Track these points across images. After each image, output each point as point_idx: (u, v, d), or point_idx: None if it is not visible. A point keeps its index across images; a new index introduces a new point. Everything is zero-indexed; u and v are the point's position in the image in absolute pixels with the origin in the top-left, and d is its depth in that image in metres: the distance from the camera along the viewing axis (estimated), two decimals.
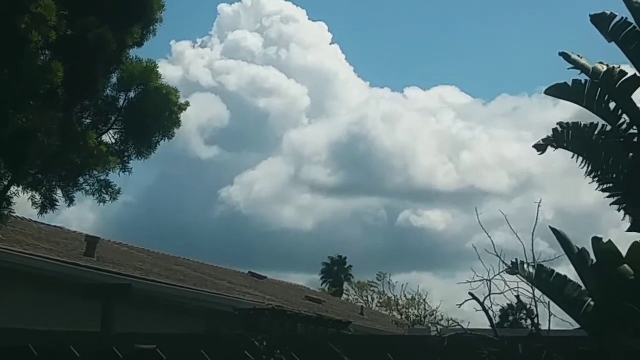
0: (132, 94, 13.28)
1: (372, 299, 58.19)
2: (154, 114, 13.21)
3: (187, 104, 13.66)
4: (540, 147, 10.53)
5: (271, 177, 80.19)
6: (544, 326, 8.74)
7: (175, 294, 20.68)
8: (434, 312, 46.39)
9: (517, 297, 8.88)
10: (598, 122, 10.38)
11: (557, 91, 10.55)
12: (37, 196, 12.90)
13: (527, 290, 8.93)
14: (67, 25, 11.73)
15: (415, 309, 49.72)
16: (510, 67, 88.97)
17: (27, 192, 12.80)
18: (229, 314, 19.80)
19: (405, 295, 47.84)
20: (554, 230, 9.87)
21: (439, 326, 11.05)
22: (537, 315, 8.85)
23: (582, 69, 10.34)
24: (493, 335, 8.50)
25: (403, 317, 47.38)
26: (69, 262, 18.41)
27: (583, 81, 10.37)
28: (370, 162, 78.10)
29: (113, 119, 13.28)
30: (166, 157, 53.93)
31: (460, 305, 8.78)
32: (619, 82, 10.25)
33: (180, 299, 20.61)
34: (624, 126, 10.32)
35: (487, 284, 8.64)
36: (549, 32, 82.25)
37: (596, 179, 10.31)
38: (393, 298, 51.10)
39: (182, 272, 24.67)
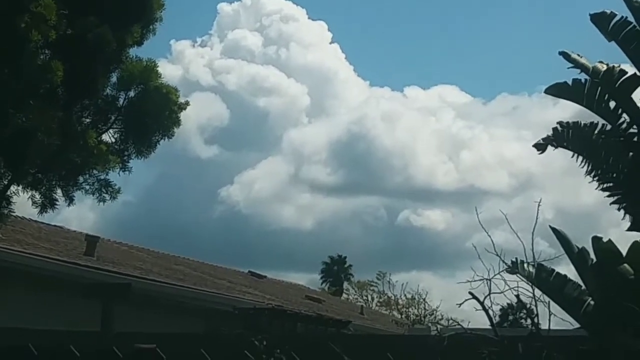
0: (132, 94, 13.28)
1: (372, 298, 58.19)
2: (154, 113, 13.21)
3: (187, 103, 13.67)
4: (541, 147, 10.53)
5: (271, 177, 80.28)
6: (544, 326, 8.74)
7: (175, 294, 20.67)
8: (434, 312, 46.38)
9: (517, 296, 8.88)
10: (598, 122, 10.38)
11: (557, 90, 10.55)
12: (37, 196, 12.90)
13: (527, 290, 8.93)
14: (67, 25, 11.73)
15: (415, 308, 49.71)
16: (510, 67, 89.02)
17: (27, 192, 12.81)
18: (229, 313, 19.79)
19: (405, 295, 47.91)
20: (554, 229, 9.87)
21: (439, 326, 11.06)
22: (537, 315, 8.85)
23: (582, 68, 10.34)
24: (493, 334, 8.50)
25: (403, 316, 47.36)
26: (69, 262, 18.41)
27: (583, 80, 10.37)
28: (370, 161, 78.15)
29: (113, 118, 13.28)
30: (166, 157, 53.97)
31: (461, 304, 8.78)
32: (619, 82, 10.25)
33: (180, 298, 20.61)
34: (624, 125, 10.32)
35: (487, 283, 8.64)
36: (549, 31, 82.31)
37: (596, 178, 10.31)
38: (393, 298, 51.14)
39: (182, 271, 24.67)
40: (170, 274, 23.06)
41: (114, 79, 13.17)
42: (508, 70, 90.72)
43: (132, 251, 25.62)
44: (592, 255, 9.63)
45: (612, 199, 10.30)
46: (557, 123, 10.43)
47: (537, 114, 70.11)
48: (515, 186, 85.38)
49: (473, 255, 8.95)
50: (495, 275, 8.63)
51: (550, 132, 10.44)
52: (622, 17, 10.53)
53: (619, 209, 10.27)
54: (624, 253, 9.44)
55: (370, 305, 53.40)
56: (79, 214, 64.42)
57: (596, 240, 9.63)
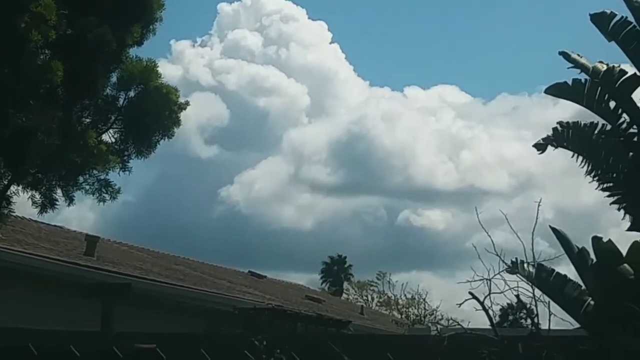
0: (132, 94, 13.29)
1: (372, 298, 58.18)
2: (154, 113, 13.21)
3: (187, 103, 13.67)
4: (541, 147, 10.52)
5: (271, 177, 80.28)
6: (544, 326, 8.74)
7: (175, 294, 20.67)
8: (434, 312, 46.39)
9: (517, 296, 8.88)
10: (598, 122, 10.38)
11: (557, 90, 10.55)
12: (37, 196, 12.90)
13: (527, 290, 8.93)
14: (67, 25, 11.73)
15: (415, 308, 49.72)
16: (510, 67, 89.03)
17: (27, 192, 12.81)
18: (229, 313, 19.78)
19: (405, 295, 47.91)
20: (554, 229, 9.87)
21: (439, 326, 11.06)
22: (537, 315, 8.85)
23: (582, 68, 10.34)
24: (493, 334, 8.49)
25: (403, 316, 47.36)
26: (69, 262, 18.41)
27: (583, 80, 10.37)
28: (370, 161, 78.16)
29: (113, 118, 13.28)
30: (166, 157, 53.97)
31: (461, 304, 8.78)
32: (619, 82, 10.25)
33: (180, 298, 20.60)
34: (624, 125, 10.32)
35: (487, 283, 8.64)
36: (549, 31, 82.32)
37: (596, 178, 10.31)
38: (393, 298, 51.15)
39: (182, 271, 24.67)
40: (170, 274, 23.06)
41: (114, 79, 13.19)
42: (508, 70, 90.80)
43: (132, 251, 25.62)
44: (592, 255, 9.63)
45: (612, 199, 10.30)
46: (557, 123, 10.43)
47: (537, 114, 70.15)
48: (515, 186, 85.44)
49: (473, 255, 8.96)
50: (495, 275, 8.63)
51: (550, 132, 10.44)
52: (622, 17, 10.52)
53: (619, 209, 10.26)
54: (624, 253, 9.44)
55: (370, 305, 53.40)
56: (79, 214, 64.47)
57: (596, 240, 9.63)
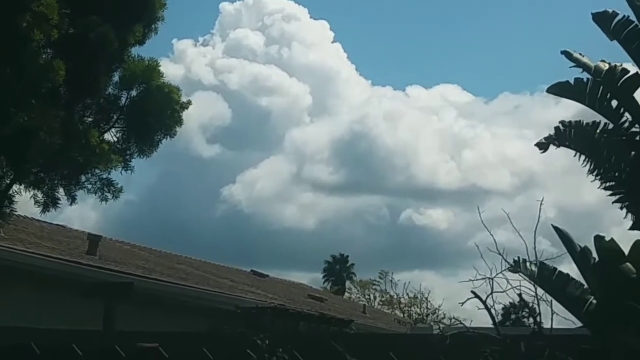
0: (134, 93, 13.30)
1: (375, 297, 58.19)
2: (156, 112, 13.22)
3: (189, 102, 13.68)
4: (543, 146, 10.51)
5: (273, 176, 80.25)
6: (546, 324, 8.73)
7: (178, 293, 20.67)
8: (437, 311, 46.46)
9: (520, 295, 8.87)
10: (600, 121, 10.37)
11: (559, 90, 10.54)
12: (40, 195, 12.91)
13: (530, 289, 8.91)
14: (69, 24, 11.74)
15: (417, 307, 49.69)
16: (512, 66, 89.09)
17: (30, 191, 12.82)
18: (231, 312, 19.79)
19: (407, 294, 47.94)
20: (556, 228, 9.86)
21: (441, 325, 11.04)
22: (539, 314, 8.84)
23: (584, 67, 10.33)
24: (495, 333, 8.48)
25: (405, 315, 47.31)
26: (71, 261, 18.42)
27: (585, 80, 10.36)
28: (372, 160, 78.18)
29: (115, 117, 13.30)
30: (168, 156, 53.99)
31: (463, 303, 8.76)
32: (621, 81, 10.24)
33: (182, 297, 20.60)
34: (626, 124, 10.31)
35: (489, 282, 8.62)
36: (551, 30, 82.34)
37: (598, 177, 10.30)
38: (395, 297, 51.18)
39: (184, 270, 24.67)
40: (173, 273, 23.06)
41: (116, 78, 13.21)
42: (510, 69, 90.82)
43: (135, 250, 25.63)
44: (595, 254, 9.62)
45: (614, 198, 10.30)
46: (559, 122, 10.42)
47: (539, 113, 70.32)
48: (517, 185, 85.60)
49: (475, 254, 8.93)
50: (497, 274, 8.61)
51: (552, 131, 10.43)
52: (624, 16, 10.52)
53: (621, 208, 10.26)
54: (626, 252, 9.44)
55: (373, 304, 53.42)
56: (81, 213, 64.51)
57: (598, 239, 9.63)
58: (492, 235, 8.85)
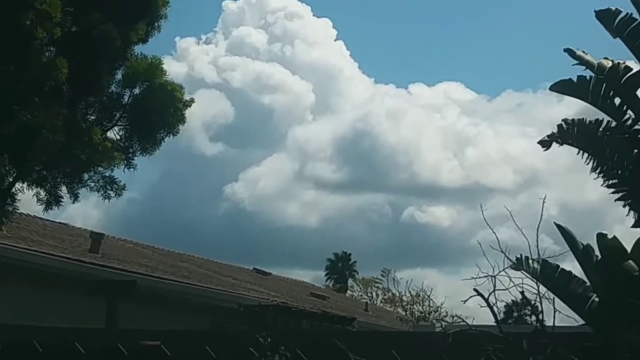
0: (137, 91, 13.30)
1: (377, 295, 58.25)
2: (158, 110, 13.22)
3: (192, 100, 13.68)
4: (545, 144, 10.52)
5: (276, 174, 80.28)
6: (548, 322, 8.72)
7: (181, 291, 20.68)
8: (439, 309, 46.43)
9: (522, 293, 8.86)
10: (603, 119, 10.38)
11: (562, 87, 10.55)
12: (42, 193, 12.90)
13: (532, 287, 8.90)
14: (72, 22, 11.74)
15: (419, 305, 49.70)
16: (515, 64, 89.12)
17: (32, 189, 12.81)
18: (234, 310, 19.81)
19: (409, 292, 47.86)
20: (559, 226, 9.88)
21: (443, 322, 11.05)
22: (541, 312, 8.83)
23: (587, 65, 10.33)
24: (498, 331, 8.48)
25: (408, 313, 47.35)
26: (74, 259, 18.42)
27: (588, 77, 10.36)
28: (375, 158, 78.22)
29: (118, 115, 13.30)
30: (171, 154, 54.12)
31: (465, 301, 8.75)
32: (624, 78, 10.24)
33: (185, 295, 20.61)
34: (629, 122, 10.32)
35: (491, 280, 8.62)
36: (553, 28, 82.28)
37: (601, 175, 10.30)
38: (398, 294, 51.14)
39: (187, 268, 24.68)
40: (176, 271, 23.07)
41: (118, 76, 13.19)
42: (513, 67, 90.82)
43: (137, 248, 25.64)
44: (597, 252, 9.63)
45: (617, 196, 10.30)
46: (562, 120, 10.43)
47: (541, 111, 70.31)
48: (520, 183, 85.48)
49: (478, 252, 8.93)
50: (500, 272, 8.60)
51: (555, 129, 10.44)
52: (628, 13, 10.52)
53: (624, 206, 10.27)
54: (629, 250, 9.45)
55: (375, 302, 53.48)
56: (84, 211, 64.54)
57: (601, 236, 9.64)
58: (495, 233, 8.84)
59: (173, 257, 26.66)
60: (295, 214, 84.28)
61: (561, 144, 10.47)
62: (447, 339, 8.48)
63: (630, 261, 9.40)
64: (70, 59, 11.62)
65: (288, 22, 79.48)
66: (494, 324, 8.78)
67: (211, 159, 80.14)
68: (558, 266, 9.73)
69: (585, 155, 10.35)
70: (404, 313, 46.01)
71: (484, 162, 79.21)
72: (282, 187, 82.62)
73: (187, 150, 67.81)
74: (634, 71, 10.26)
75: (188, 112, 13.58)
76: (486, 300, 8.55)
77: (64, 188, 13.03)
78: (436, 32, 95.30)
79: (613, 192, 10.31)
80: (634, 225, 10.13)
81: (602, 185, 10.33)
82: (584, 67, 10.33)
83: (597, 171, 10.31)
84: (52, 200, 13.02)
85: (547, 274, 9.51)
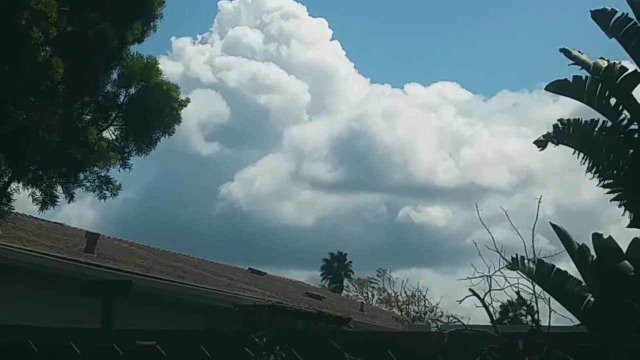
0: (132, 91, 13.29)
1: (373, 295, 58.23)
2: (154, 110, 13.22)
3: (187, 100, 13.68)
4: (541, 144, 10.53)
5: (272, 174, 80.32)
6: (544, 322, 8.73)
7: (176, 291, 20.64)
8: (434, 309, 46.41)
9: (518, 293, 8.87)
10: (599, 119, 10.39)
11: (558, 87, 10.56)
12: (38, 193, 12.90)
13: (528, 287, 8.91)
14: (67, 22, 11.73)
15: (415, 305, 49.67)
16: (511, 64, 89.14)
17: (28, 189, 12.80)
18: (229, 310, 19.79)
19: (405, 292, 47.71)
20: (554, 226, 9.88)
21: (439, 322, 11.07)
22: (537, 312, 8.84)
23: (583, 65, 10.34)
24: (493, 331, 8.48)
25: (403, 313, 47.29)
26: (69, 259, 18.38)
27: (584, 77, 10.37)
28: (370, 158, 78.27)
29: (114, 115, 13.29)
30: (167, 154, 54.08)
31: (461, 301, 8.76)
32: (619, 78, 10.26)
33: (180, 295, 20.57)
34: (625, 122, 10.33)
35: (487, 280, 8.62)
36: (549, 28, 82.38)
37: (597, 175, 10.32)
38: (393, 294, 51.08)
39: (182, 268, 24.65)
40: (171, 271, 23.04)
41: (114, 76, 13.19)
42: (508, 67, 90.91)
43: (133, 248, 25.61)
44: (593, 252, 9.65)
45: (612, 196, 10.31)
46: (558, 120, 10.45)
47: (537, 111, 70.36)
48: (515, 183, 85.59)
49: (473, 252, 8.93)
50: (495, 272, 8.60)
51: (550, 129, 10.45)
52: (623, 13, 10.53)
53: (619, 206, 10.28)
54: (624, 250, 9.46)
55: (371, 302, 53.45)
56: (80, 211, 64.64)
57: (596, 236, 9.65)
58: (491, 233, 8.85)
59: (168, 257, 26.63)
60: (291, 213, 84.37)
61: (557, 144, 10.48)
62: (443, 339, 8.49)
63: (626, 261, 9.41)
64: (66, 59, 11.61)
65: (284, 22, 79.62)
66: (490, 324, 8.79)
67: (207, 158, 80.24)
68: (554, 266, 9.74)
69: (581, 155, 10.36)
70: (399, 313, 45.97)
71: (480, 162, 79.35)
72: (277, 187, 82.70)
73: (182, 150, 67.93)
74: (629, 71, 10.28)
75: (184, 112, 13.59)
76: (482, 300, 8.55)
77: (59, 188, 13.02)
78: (433, 32, 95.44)
79: (609, 192, 10.32)
80: (630, 226, 10.14)
81: (597, 185, 10.35)
82: (579, 67, 10.35)
83: (593, 171, 10.32)
84: (48, 200, 13.01)
85: (543, 274, 9.52)
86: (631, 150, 10.29)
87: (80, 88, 12.58)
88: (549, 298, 8.97)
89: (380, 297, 55.95)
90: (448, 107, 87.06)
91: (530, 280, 9.04)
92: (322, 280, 71.12)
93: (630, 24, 10.40)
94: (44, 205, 13.04)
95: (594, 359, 8.77)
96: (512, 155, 75.78)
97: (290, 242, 78.09)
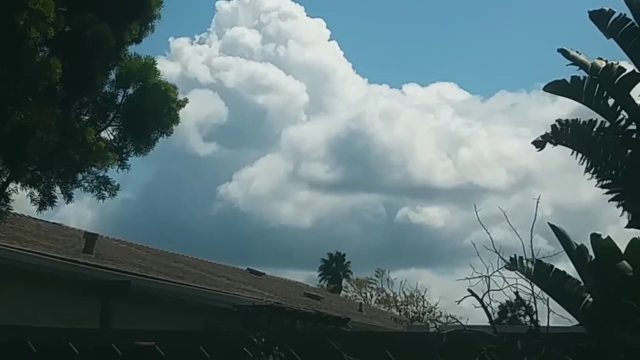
0: (130, 91, 13.28)
1: (371, 295, 58.22)
2: (152, 110, 13.21)
3: (185, 100, 13.67)
4: (539, 144, 10.53)
5: (270, 174, 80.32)
6: (543, 323, 8.73)
7: (175, 291, 20.65)
8: (433, 309, 46.40)
9: (516, 293, 8.86)
10: (597, 119, 10.38)
11: (556, 88, 10.56)
12: (36, 193, 12.89)
13: (526, 287, 8.91)
14: (65, 22, 11.72)
15: (414, 305, 49.64)
16: (509, 64, 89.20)
17: (26, 189, 12.79)
18: (228, 310, 19.78)
19: (404, 292, 47.79)
20: (552, 226, 9.88)
21: (437, 323, 11.06)
22: (536, 312, 8.84)
23: (581, 65, 10.34)
24: (492, 331, 8.48)
25: (402, 314, 47.31)
26: (68, 259, 18.39)
27: (582, 78, 10.37)
28: (368, 158, 78.31)
29: (112, 115, 13.28)
30: (165, 154, 54.13)
31: (459, 302, 8.75)
32: (617, 79, 10.25)
33: (179, 296, 20.58)
34: (623, 122, 10.32)
35: (486, 280, 8.62)
36: (547, 28, 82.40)
37: (595, 175, 10.31)
38: (392, 295, 51.10)
39: (181, 269, 24.65)
40: (170, 271, 23.04)
41: (112, 76, 13.18)
42: (506, 67, 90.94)
43: (131, 249, 25.60)
44: (591, 252, 9.64)
45: (610, 196, 10.31)
46: (556, 120, 10.45)
47: (535, 111, 70.42)
48: (513, 183, 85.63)
49: (472, 252, 8.93)
50: (494, 272, 8.60)
51: (548, 130, 10.45)
52: (621, 14, 10.53)
53: (617, 206, 10.28)
54: (623, 250, 9.46)
55: (369, 303, 53.46)
56: (78, 211, 64.58)
57: (595, 237, 9.65)
58: (489, 233, 8.84)
59: (167, 257, 26.63)
60: (289, 214, 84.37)
61: (555, 144, 10.48)
62: (442, 340, 8.48)
63: (624, 261, 9.41)
64: (64, 59, 11.60)
65: (282, 22, 79.63)
66: (488, 324, 8.78)
67: (205, 159, 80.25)
68: (552, 266, 9.74)
69: (579, 155, 10.36)
70: (398, 313, 45.98)
71: (478, 162, 79.38)
72: (275, 187, 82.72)
73: (180, 151, 67.90)
74: (627, 72, 10.28)
75: (182, 112, 13.58)
76: (480, 300, 8.55)
77: (57, 188, 13.01)
78: (431, 33, 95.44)
79: (607, 193, 10.32)
80: (628, 226, 10.14)
81: (596, 185, 10.35)
82: (577, 68, 10.35)
83: (591, 171, 10.32)
84: (46, 201, 13.00)
85: (541, 274, 9.53)
86: (629, 151, 10.28)
87: (78, 88, 12.57)
88: (548, 298, 8.98)
89: (379, 298, 55.94)
90: (446, 108, 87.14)
91: (529, 281, 9.04)
92: (320, 281, 71.15)
93: (628, 24, 10.40)
94: (42, 205, 13.03)
95: (593, 359, 8.77)
96: (510, 155, 75.88)
97: (288, 242, 78.19)
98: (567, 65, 10.33)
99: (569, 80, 10.34)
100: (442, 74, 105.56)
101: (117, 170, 13.24)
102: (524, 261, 9.42)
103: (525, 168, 71.86)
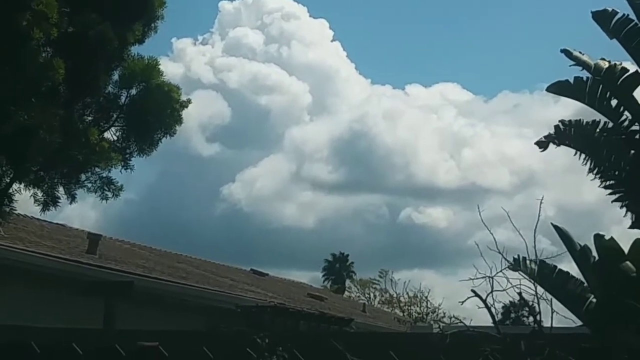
0: (133, 91, 13.31)
1: (375, 296, 58.20)
2: (155, 111, 13.23)
3: (188, 101, 13.69)
4: (542, 145, 10.50)
5: (273, 175, 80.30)
6: (546, 323, 8.72)
7: (178, 292, 20.66)
8: (436, 310, 46.47)
9: (520, 294, 8.85)
10: (600, 120, 10.36)
11: (559, 88, 10.53)
12: (39, 193, 12.91)
13: (530, 288, 8.90)
14: (68, 23, 11.74)
15: (417, 306, 49.66)
16: (512, 64, 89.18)
17: (29, 190, 12.81)
18: (231, 311, 19.79)
19: (407, 293, 47.82)
20: (556, 227, 9.86)
21: (441, 324, 11.04)
22: (539, 313, 8.83)
23: (584, 66, 10.31)
24: (495, 332, 8.47)
25: (405, 314, 47.30)
26: (71, 260, 18.40)
27: (585, 78, 10.34)
28: (371, 159, 78.26)
29: (115, 116, 13.30)
30: (168, 155, 54.12)
31: (463, 302, 8.74)
32: (621, 79, 10.23)
33: (182, 296, 20.59)
34: (626, 123, 10.30)
35: (489, 281, 8.61)
36: (550, 29, 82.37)
37: (598, 176, 10.29)
38: (395, 295, 51.09)
39: (184, 269, 24.66)
40: (173, 272, 23.05)
41: (115, 76, 13.20)
42: (509, 67, 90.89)
43: (135, 249, 25.61)
44: (595, 253, 9.62)
45: (614, 197, 10.29)
46: (559, 121, 10.41)
47: (538, 112, 70.41)
48: (517, 184, 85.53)
49: (475, 253, 8.92)
50: (497, 273, 8.59)
51: (551, 130, 10.43)
52: (624, 14, 10.51)
53: (621, 207, 10.25)
54: (626, 251, 9.43)
55: (373, 303, 53.44)
56: (81, 212, 64.58)
57: (598, 237, 9.62)
58: (492, 234, 8.83)
59: (170, 258, 26.63)
60: (292, 214, 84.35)
61: (558, 145, 10.45)
62: (445, 340, 8.47)
63: (628, 262, 9.39)
64: (67, 60, 11.62)
65: (285, 23, 79.60)
66: (492, 324, 8.77)
67: (208, 159, 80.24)
68: (555, 267, 9.71)
69: (582, 156, 10.33)
70: (401, 314, 45.97)
71: (481, 163, 79.37)
72: (279, 187, 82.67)
73: (184, 151, 67.93)
74: (630, 72, 10.25)
75: (185, 113, 13.60)
76: (484, 301, 8.54)
77: (61, 189, 13.03)
78: (433, 33, 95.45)
79: (610, 193, 10.29)
80: (632, 227, 10.12)
81: (599, 186, 10.32)
82: (580, 68, 10.31)
83: (594, 172, 10.29)
84: (50, 201, 13.01)
85: (545, 274, 9.50)
86: (632, 151, 10.26)
87: (82, 89, 12.59)
88: (551, 299, 8.96)
89: (382, 298, 55.93)
90: (449, 108, 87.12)
91: (532, 281, 9.03)
92: (324, 281, 71.17)
93: (631, 25, 10.38)
94: (45, 206, 13.05)
95: None
96: (513, 156, 75.86)
97: (291, 243, 78.18)
98: (570, 65, 10.30)
99: (572, 80, 10.32)
100: (445, 75, 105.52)
101: (120, 171, 13.28)
102: (528, 262, 9.39)
103: (528, 169, 71.92)
